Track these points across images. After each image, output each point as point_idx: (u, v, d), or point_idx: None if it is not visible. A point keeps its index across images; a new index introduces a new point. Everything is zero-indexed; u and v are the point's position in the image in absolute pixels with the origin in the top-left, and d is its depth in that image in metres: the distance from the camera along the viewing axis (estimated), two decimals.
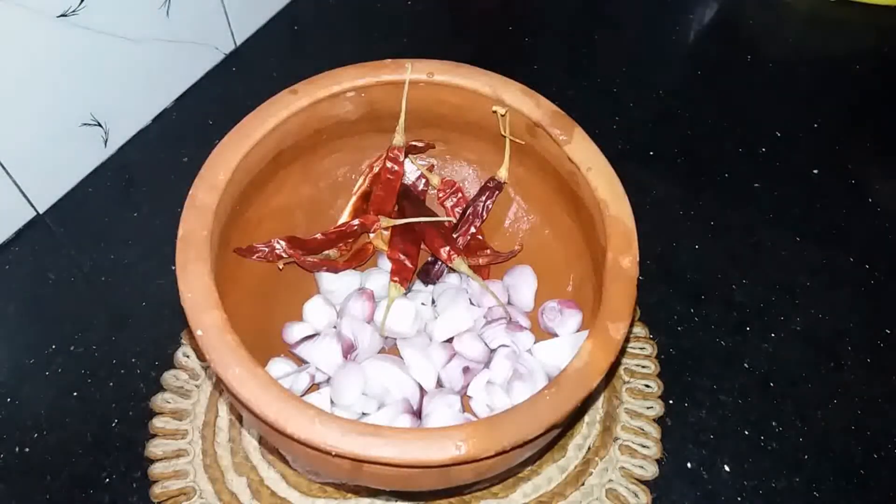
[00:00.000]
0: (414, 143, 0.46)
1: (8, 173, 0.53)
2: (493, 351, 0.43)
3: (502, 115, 0.41)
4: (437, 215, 0.47)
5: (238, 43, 0.69)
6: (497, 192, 0.46)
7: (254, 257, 0.42)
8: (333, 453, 0.31)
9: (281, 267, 0.44)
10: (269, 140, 0.39)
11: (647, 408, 0.48)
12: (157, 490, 0.44)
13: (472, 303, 0.45)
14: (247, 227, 0.41)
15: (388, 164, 0.45)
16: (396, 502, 0.44)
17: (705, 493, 0.45)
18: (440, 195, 0.48)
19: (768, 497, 0.45)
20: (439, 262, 0.47)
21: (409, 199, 0.47)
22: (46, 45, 0.52)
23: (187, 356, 0.50)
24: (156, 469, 0.45)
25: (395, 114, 0.43)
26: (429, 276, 0.47)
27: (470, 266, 0.45)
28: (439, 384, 0.44)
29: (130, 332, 0.51)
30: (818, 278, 0.55)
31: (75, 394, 0.49)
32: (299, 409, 0.31)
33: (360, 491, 0.44)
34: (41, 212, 0.57)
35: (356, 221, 0.46)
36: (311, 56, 0.70)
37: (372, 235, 0.48)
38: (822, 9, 0.75)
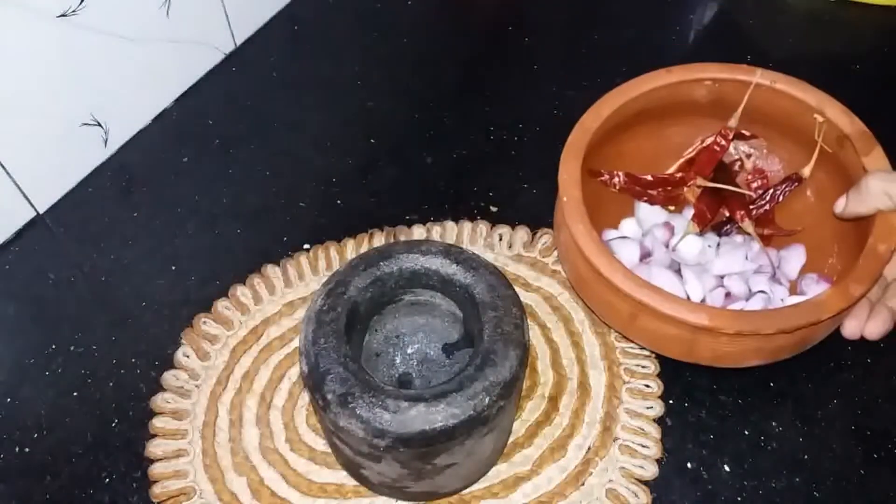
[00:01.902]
0: (742, 131, 0.54)
1: (8, 173, 0.53)
2: (752, 294, 0.50)
3: (821, 123, 0.49)
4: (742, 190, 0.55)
5: (238, 43, 0.69)
6: (796, 184, 0.53)
7: (598, 179, 0.53)
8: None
9: (616, 189, 0.54)
10: (638, 101, 0.51)
11: (647, 408, 0.48)
12: (157, 490, 0.44)
13: (747, 258, 0.52)
14: (601, 158, 0.52)
15: (718, 139, 0.54)
16: (397, 502, 0.44)
17: (705, 493, 0.45)
18: (748, 178, 0.56)
19: (768, 497, 0.45)
20: (732, 224, 0.54)
21: (724, 172, 0.55)
22: (46, 45, 0.52)
23: (187, 356, 0.50)
24: (156, 469, 0.45)
25: (735, 105, 0.52)
26: (720, 231, 0.54)
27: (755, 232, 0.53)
28: (703, 303, 0.50)
29: (130, 332, 0.51)
30: None
31: (75, 394, 0.49)
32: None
33: (360, 491, 0.44)
34: (41, 212, 0.57)
35: (679, 174, 0.55)
36: (311, 56, 0.70)
37: (686, 189, 0.56)
38: (822, 9, 0.74)
